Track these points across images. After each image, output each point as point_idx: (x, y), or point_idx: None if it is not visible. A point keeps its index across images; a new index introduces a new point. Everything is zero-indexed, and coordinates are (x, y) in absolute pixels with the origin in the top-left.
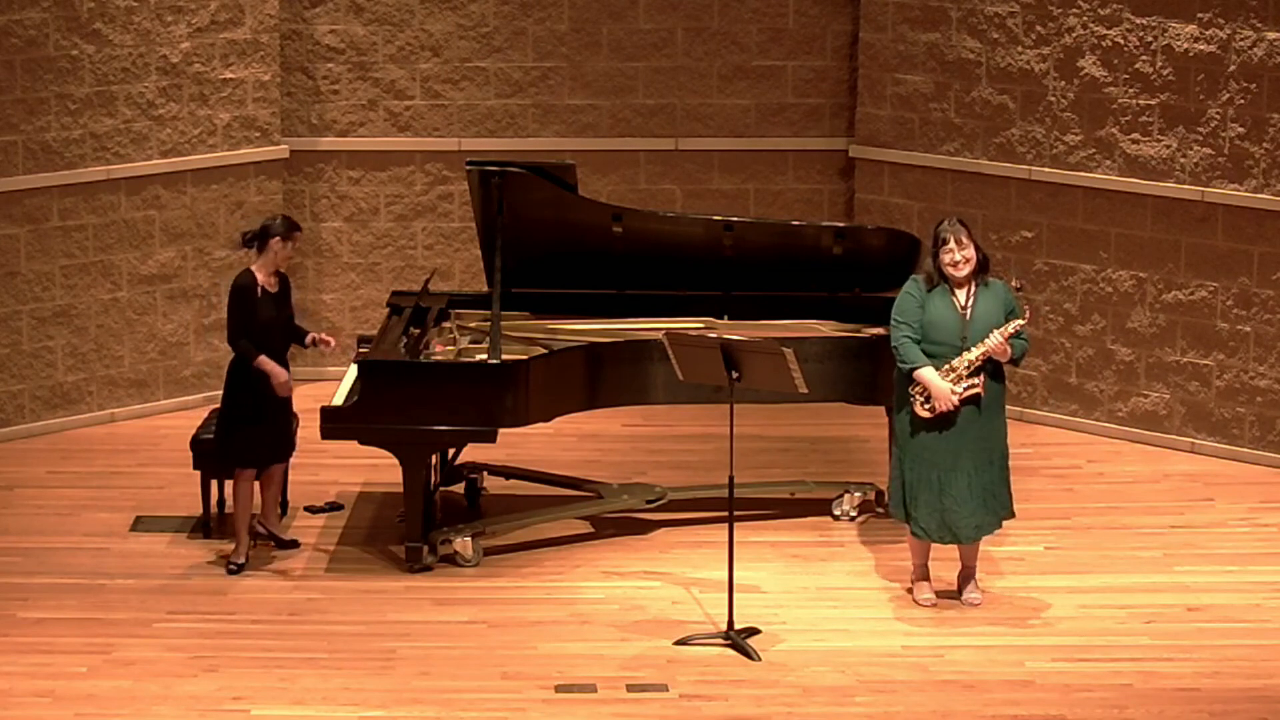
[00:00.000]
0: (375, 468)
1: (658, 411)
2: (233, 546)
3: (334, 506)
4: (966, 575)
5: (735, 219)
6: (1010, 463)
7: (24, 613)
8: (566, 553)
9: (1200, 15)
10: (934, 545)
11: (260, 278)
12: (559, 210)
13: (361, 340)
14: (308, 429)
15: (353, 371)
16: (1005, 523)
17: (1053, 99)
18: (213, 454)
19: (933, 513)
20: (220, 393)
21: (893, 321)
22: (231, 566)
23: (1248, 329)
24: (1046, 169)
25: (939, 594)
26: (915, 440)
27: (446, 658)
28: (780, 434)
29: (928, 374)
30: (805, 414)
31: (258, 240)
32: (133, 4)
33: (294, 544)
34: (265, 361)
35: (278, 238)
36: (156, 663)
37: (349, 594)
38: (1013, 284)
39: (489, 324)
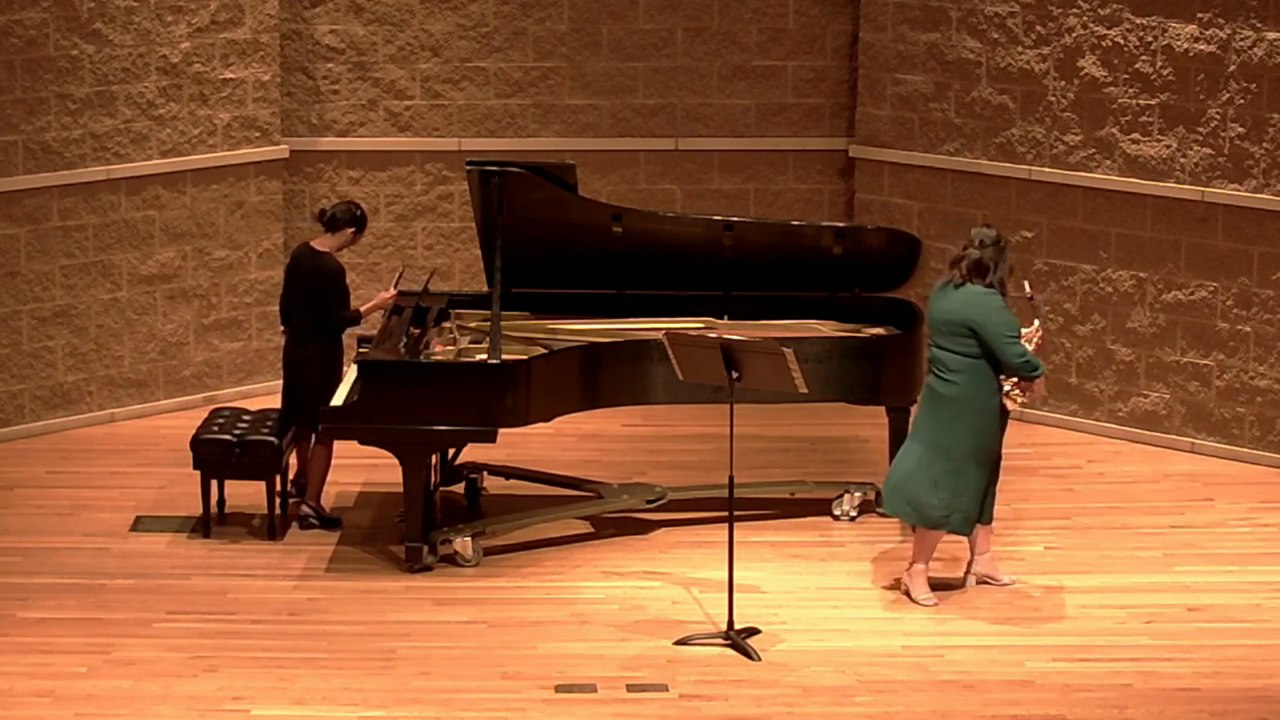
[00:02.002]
0: (375, 468)
1: (658, 411)
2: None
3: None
4: (993, 557)
5: (735, 219)
6: (1022, 461)
7: (24, 613)
8: (566, 553)
9: (1200, 15)
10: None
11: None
12: (559, 210)
13: (361, 340)
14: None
15: (353, 371)
16: (1005, 522)
17: (1053, 99)
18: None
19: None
20: (218, 392)
21: (1010, 337)
22: (311, 521)
23: (1248, 329)
24: (1046, 169)
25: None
26: (996, 438)
27: (446, 658)
28: (780, 434)
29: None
30: (805, 414)
31: (339, 221)
32: (133, 4)
33: (337, 522)
34: (369, 306)
35: (354, 229)
36: (156, 663)
37: (349, 594)
38: (1026, 293)
39: (489, 324)
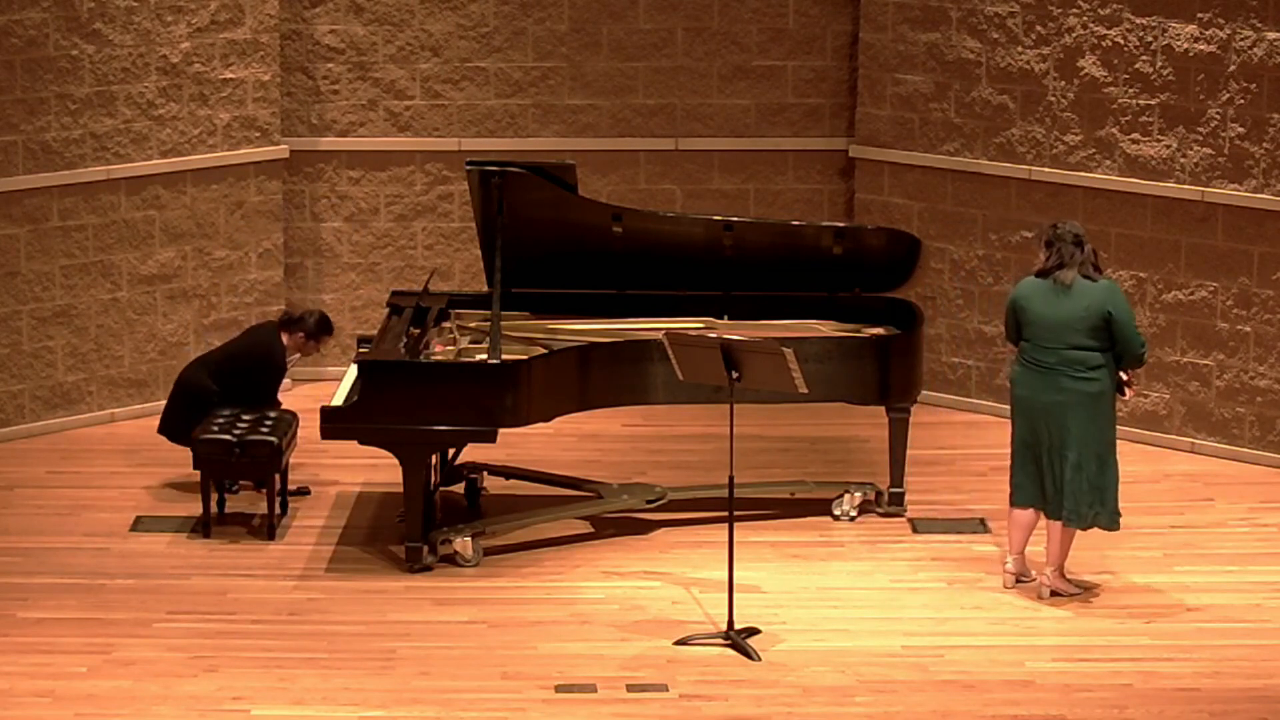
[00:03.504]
0: (375, 468)
1: (658, 411)
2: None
3: (302, 491)
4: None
5: (735, 219)
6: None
7: (24, 613)
8: (566, 553)
9: (1200, 15)
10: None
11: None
12: (559, 210)
13: (361, 340)
14: (308, 429)
15: (353, 371)
16: (1005, 523)
17: (1053, 99)
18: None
19: None
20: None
21: (1135, 326)
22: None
23: (1248, 329)
24: (1046, 169)
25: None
26: None
27: (446, 658)
28: (780, 434)
29: None
30: (805, 414)
31: (294, 326)
32: (133, 4)
33: (305, 491)
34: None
35: (303, 334)
36: (156, 663)
37: (349, 594)
38: None
39: (489, 324)
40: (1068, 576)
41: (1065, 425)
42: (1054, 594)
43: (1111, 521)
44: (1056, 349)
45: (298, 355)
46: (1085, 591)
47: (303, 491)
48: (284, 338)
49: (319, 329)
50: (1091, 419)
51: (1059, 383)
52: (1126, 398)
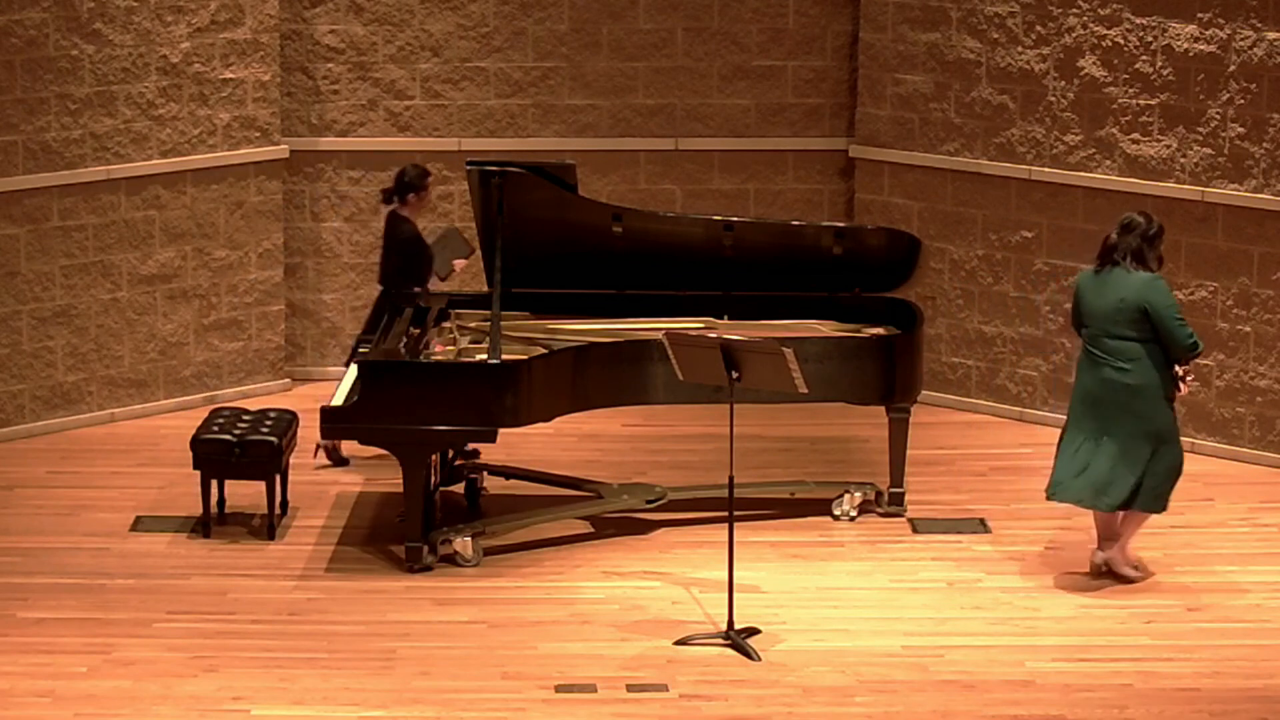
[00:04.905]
0: (375, 468)
1: (658, 411)
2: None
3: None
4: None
5: (735, 219)
6: (1023, 461)
7: (24, 613)
8: (566, 553)
9: (1200, 15)
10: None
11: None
12: (559, 210)
13: (361, 340)
14: (308, 429)
15: (353, 371)
16: (1004, 522)
17: (1053, 99)
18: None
19: None
20: (218, 392)
21: (1179, 318)
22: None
23: (1248, 329)
24: (1046, 169)
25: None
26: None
27: (446, 658)
28: (780, 434)
29: None
30: (805, 414)
31: (402, 195)
32: (133, 4)
33: (346, 461)
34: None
35: (413, 194)
36: (156, 663)
37: (349, 594)
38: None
39: (489, 324)
40: (1125, 564)
41: (1104, 413)
42: (1108, 568)
43: (1150, 504)
44: (1102, 338)
45: (426, 208)
46: (1142, 575)
47: (342, 462)
48: (406, 211)
49: (418, 176)
50: (1125, 408)
51: (1102, 372)
52: (1183, 393)
